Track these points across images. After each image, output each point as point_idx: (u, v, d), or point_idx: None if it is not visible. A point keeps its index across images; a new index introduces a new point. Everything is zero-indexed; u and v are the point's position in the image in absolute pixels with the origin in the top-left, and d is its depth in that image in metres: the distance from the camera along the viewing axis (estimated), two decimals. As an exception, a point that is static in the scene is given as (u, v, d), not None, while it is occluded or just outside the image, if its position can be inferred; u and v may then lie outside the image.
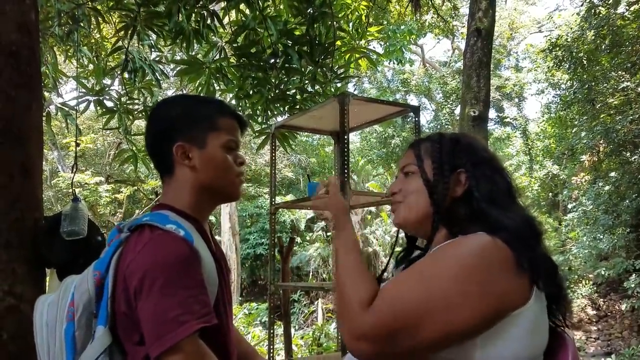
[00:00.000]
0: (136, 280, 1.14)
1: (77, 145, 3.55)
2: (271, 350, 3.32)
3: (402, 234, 1.34)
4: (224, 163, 1.34)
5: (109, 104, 4.12)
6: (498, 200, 1.11)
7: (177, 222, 1.22)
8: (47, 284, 2.37)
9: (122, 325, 1.18)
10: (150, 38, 4.26)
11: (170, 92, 14.18)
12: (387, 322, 0.98)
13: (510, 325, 0.98)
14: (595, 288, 13.04)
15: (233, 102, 4.07)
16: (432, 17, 11.53)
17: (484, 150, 1.21)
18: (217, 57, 4.02)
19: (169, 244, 1.17)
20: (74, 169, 3.14)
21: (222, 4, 3.95)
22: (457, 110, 17.60)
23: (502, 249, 1.00)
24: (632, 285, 10.56)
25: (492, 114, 19.47)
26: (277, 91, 3.88)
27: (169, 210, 1.29)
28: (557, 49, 11.98)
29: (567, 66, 12.08)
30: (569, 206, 14.03)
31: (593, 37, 11.25)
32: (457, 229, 1.11)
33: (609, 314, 12.76)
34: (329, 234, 14.77)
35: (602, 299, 13.08)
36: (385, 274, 1.49)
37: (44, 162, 2.43)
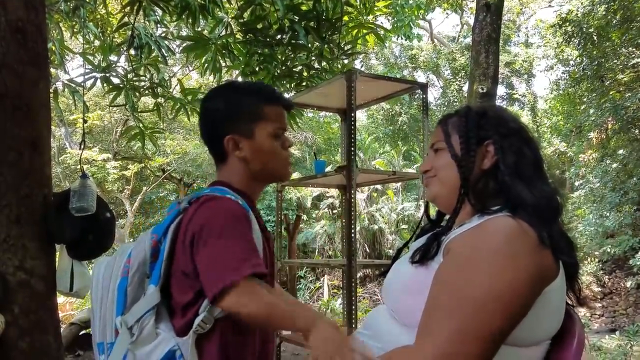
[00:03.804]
0: (193, 233, 1.25)
1: (85, 122, 3.56)
2: (278, 325, 3.36)
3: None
4: (272, 151, 1.42)
5: (116, 80, 4.11)
6: (523, 173, 1.09)
7: (233, 195, 1.33)
8: (56, 259, 2.40)
9: (177, 285, 1.29)
10: (156, 14, 4.23)
11: (176, 69, 14.11)
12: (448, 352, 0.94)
13: (541, 303, 0.98)
14: (600, 265, 13.07)
15: (239, 78, 4.05)
16: (440, -8, 11.36)
17: (512, 121, 1.17)
18: (223, 33, 3.99)
19: (225, 202, 1.30)
20: (82, 146, 3.16)
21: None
22: (466, 87, 17.45)
23: (527, 233, 0.98)
24: (638, 263, 10.57)
25: (500, 90, 19.30)
26: (283, 68, 3.85)
27: (226, 186, 1.39)
28: (567, 24, 11.80)
29: (577, 42, 11.92)
30: (576, 184, 13.97)
31: (604, 12, 11.06)
32: (479, 205, 1.10)
33: (614, 291, 12.81)
34: (334, 211, 14.81)
35: (607, 276, 13.12)
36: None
37: (51, 139, 2.45)
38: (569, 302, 1.11)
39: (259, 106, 1.41)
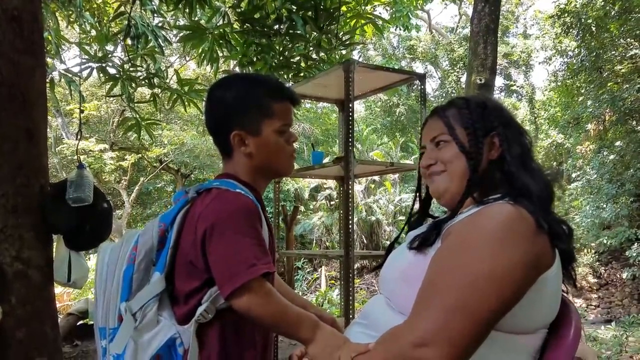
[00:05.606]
0: (206, 227, 1.25)
1: (81, 112, 3.55)
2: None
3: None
4: (277, 147, 1.41)
5: (112, 70, 4.09)
6: (526, 163, 1.11)
7: (243, 189, 1.33)
8: (54, 250, 2.40)
9: (182, 274, 1.30)
10: (153, 3, 4.20)
11: (173, 59, 14.04)
12: (444, 331, 0.93)
13: (536, 290, 0.98)
14: (597, 257, 13.11)
15: (237, 69, 4.03)
16: (438, -18, 11.31)
17: (507, 111, 1.20)
18: (221, 22, 3.97)
19: (237, 197, 1.30)
20: (79, 136, 3.15)
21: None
22: (464, 78, 17.42)
23: (526, 218, 0.99)
24: (634, 254, 10.61)
25: (498, 81, 19.28)
26: (281, 58, 3.84)
27: (234, 179, 1.38)
28: (566, 15, 11.77)
29: (576, 33, 11.89)
30: (573, 175, 13.98)
31: (602, 3, 11.03)
32: (481, 195, 1.11)
33: (610, 282, 12.86)
34: (332, 202, 14.82)
35: (603, 268, 13.17)
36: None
37: (48, 129, 2.43)
38: (565, 290, 1.12)
39: (268, 102, 1.39)
